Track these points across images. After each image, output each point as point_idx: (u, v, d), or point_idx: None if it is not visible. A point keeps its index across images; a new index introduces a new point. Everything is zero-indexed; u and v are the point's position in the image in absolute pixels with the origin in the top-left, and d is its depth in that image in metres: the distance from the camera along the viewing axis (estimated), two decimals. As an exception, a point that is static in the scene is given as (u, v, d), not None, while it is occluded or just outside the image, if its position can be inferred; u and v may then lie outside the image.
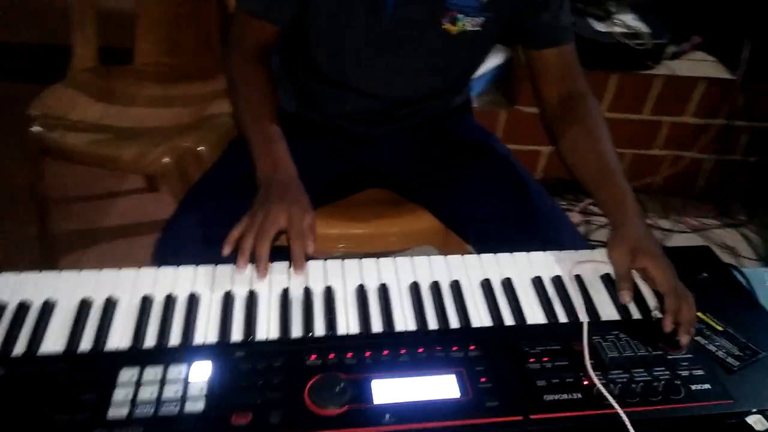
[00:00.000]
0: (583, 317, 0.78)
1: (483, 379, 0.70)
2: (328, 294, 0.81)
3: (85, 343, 0.73)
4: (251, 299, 0.80)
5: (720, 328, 0.79)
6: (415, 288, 0.83)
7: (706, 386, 0.71)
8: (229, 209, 0.99)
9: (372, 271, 0.85)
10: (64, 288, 0.79)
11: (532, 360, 0.73)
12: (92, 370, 0.68)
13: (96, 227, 1.80)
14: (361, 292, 0.81)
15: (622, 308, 0.82)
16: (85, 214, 1.85)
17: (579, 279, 0.86)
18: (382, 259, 0.88)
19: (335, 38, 1.01)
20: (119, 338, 0.74)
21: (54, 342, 0.73)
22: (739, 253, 1.89)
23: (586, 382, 0.70)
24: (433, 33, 0.98)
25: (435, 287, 0.83)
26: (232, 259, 0.85)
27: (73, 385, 0.66)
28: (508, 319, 0.79)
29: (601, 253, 0.90)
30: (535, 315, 0.80)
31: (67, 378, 0.67)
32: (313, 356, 0.71)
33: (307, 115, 1.14)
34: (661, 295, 0.79)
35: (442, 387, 0.69)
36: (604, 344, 0.75)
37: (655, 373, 0.72)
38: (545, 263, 0.88)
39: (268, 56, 1.05)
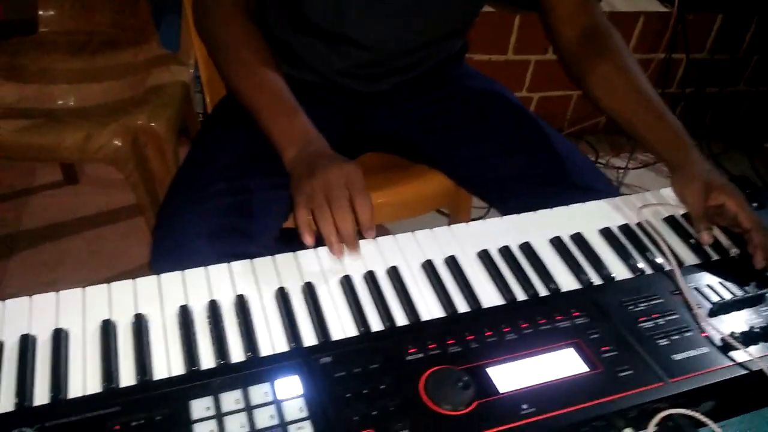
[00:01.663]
0: (672, 264, 0.73)
1: (604, 348, 0.63)
2: (395, 275, 0.70)
3: (126, 376, 0.57)
4: (311, 292, 0.67)
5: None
6: (486, 256, 0.74)
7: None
8: (236, 194, 0.84)
9: (431, 244, 0.75)
10: (70, 310, 0.62)
11: (642, 319, 0.67)
12: (151, 408, 0.53)
13: (13, 232, 1.52)
14: (431, 269, 0.71)
15: (699, 251, 0.78)
16: (-5, 218, 1.56)
17: (642, 225, 0.81)
18: (437, 229, 0.78)
19: None
20: (166, 362, 0.59)
21: (82, 380, 0.56)
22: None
23: (705, 334, 0.66)
24: None
25: (506, 252, 0.74)
26: (250, 252, 0.71)
27: (137, 431, 0.51)
28: (595, 278, 0.73)
29: (657, 196, 0.85)
30: (618, 269, 0.74)
31: (125, 425, 0.51)
32: (411, 350, 0.61)
33: (297, 76, 0.99)
34: (745, 231, 0.76)
35: (565, 363, 0.61)
36: (701, 291, 0.70)
37: (765, 313, 0.69)
38: (605, 213, 0.82)
39: (252, 10, 0.89)
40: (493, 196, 1.00)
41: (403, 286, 0.69)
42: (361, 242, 0.73)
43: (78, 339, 0.60)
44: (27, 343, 0.58)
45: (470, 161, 1.00)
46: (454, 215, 1.19)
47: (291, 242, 0.85)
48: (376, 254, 0.73)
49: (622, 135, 2.08)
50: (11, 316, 0.61)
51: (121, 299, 0.64)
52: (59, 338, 0.59)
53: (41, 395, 0.54)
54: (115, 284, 0.65)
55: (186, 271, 0.68)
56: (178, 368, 0.58)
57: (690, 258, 0.77)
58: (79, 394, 0.55)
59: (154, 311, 0.63)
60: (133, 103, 1.17)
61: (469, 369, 0.59)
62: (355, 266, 0.71)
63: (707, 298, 0.69)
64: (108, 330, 0.60)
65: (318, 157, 0.77)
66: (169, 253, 0.78)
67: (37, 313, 0.62)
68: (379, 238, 0.75)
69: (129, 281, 0.66)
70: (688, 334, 0.65)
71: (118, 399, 0.54)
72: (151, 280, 0.66)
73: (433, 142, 1.03)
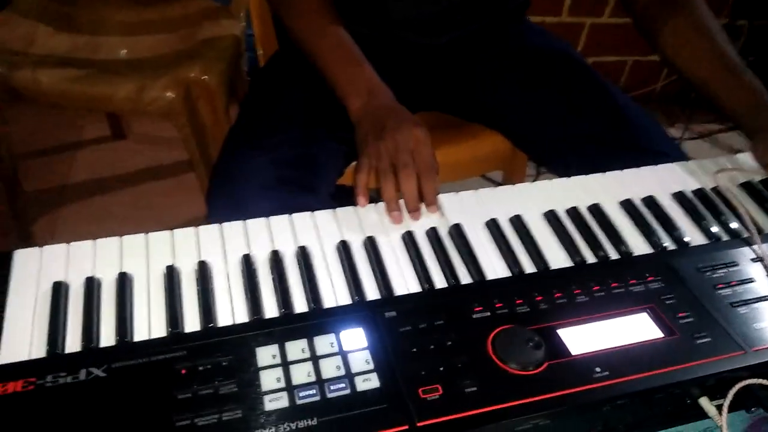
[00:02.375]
0: (752, 231, 0.69)
1: (681, 314, 0.60)
2: (458, 233, 0.68)
3: (191, 322, 0.57)
4: (373, 247, 0.65)
5: None
6: (553, 216, 0.71)
7: None
8: (298, 145, 0.82)
9: (494, 203, 0.72)
10: (133, 255, 0.62)
11: (720, 286, 0.63)
12: (218, 353, 0.52)
13: (63, 185, 1.54)
14: (496, 228, 0.69)
15: (780, 218, 0.74)
16: (46, 172, 1.58)
17: (719, 191, 0.77)
18: (501, 188, 0.75)
19: None
20: (229, 310, 0.58)
21: (147, 324, 0.56)
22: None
23: (788, 304, 0.62)
24: None
25: (575, 213, 0.71)
26: (309, 206, 0.70)
27: (203, 375, 0.51)
28: (668, 243, 0.69)
29: (732, 161, 0.81)
30: (693, 234, 0.71)
31: (191, 368, 0.51)
32: (477, 308, 0.59)
33: (353, 29, 0.96)
34: None
35: (639, 328, 0.59)
36: (784, 260, 0.67)
37: None
38: (678, 177, 0.78)
39: None
40: (553, 159, 0.96)
41: (467, 243, 0.67)
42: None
43: (142, 284, 0.59)
44: (92, 286, 0.58)
45: (530, 121, 0.96)
46: (508, 179, 1.15)
47: (344, 198, 0.84)
48: (438, 211, 0.71)
49: (678, 105, 2.01)
50: (75, 259, 0.61)
51: (184, 246, 0.63)
52: (124, 282, 0.59)
53: (107, 337, 0.54)
54: (178, 231, 0.65)
55: (248, 221, 0.67)
56: (242, 316, 0.57)
57: (768, 225, 0.73)
58: (145, 338, 0.55)
59: (217, 259, 0.62)
60: (185, 55, 1.15)
61: (538, 330, 0.57)
62: (417, 223, 0.69)
63: (791, 267, 0.66)
64: (172, 276, 0.60)
65: (386, 112, 0.75)
66: (226, 202, 0.77)
67: (101, 257, 0.61)
68: (441, 195, 0.72)
69: (192, 228, 0.65)
70: (769, 303, 0.62)
71: (184, 343, 0.53)
72: (214, 229, 0.66)
73: (491, 101, 0.99)
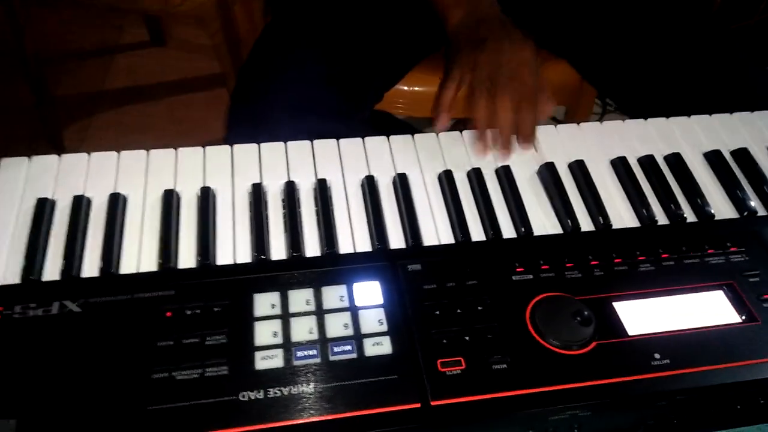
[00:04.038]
0: None
1: (765, 296, 0.49)
2: (506, 176, 0.58)
3: (186, 257, 0.50)
4: (403, 186, 0.56)
5: None
6: (621, 164, 0.59)
7: None
8: (330, 62, 0.72)
9: (552, 142, 0.61)
10: (131, 174, 0.55)
11: (819, 266, 0.52)
12: (210, 296, 0.45)
13: (97, 91, 1.49)
14: (551, 174, 0.58)
15: None
16: (81, 75, 1.53)
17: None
18: (563, 126, 0.64)
19: None
20: (230, 247, 0.51)
21: (137, 255, 0.49)
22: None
23: None
24: None
25: (649, 163, 0.60)
26: (338, 133, 0.60)
27: (190, 321, 0.44)
28: (760, 208, 0.57)
29: None
30: (790, 201, 0.59)
31: (178, 311, 0.44)
32: (519, 269, 0.50)
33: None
34: None
35: (713, 309, 0.48)
36: None
37: None
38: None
39: None
40: (629, 98, 0.83)
41: (515, 190, 0.57)
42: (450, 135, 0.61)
43: (137, 208, 0.52)
44: (80, 205, 0.51)
45: (607, 54, 0.82)
46: (571, 117, 1.03)
47: (382, 128, 0.74)
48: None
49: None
50: (66, 174, 0.54)
51: (188, 168, 0.56)
52: (116, 204, 0.52)
53: (90, 267, 0.48)
54: (183, 150, 0.57)
55: (263, 144, 0.58)
56: (244, 255, 0.50)
57: None
58: (132, 271, 0.48)
59: (224, 186, 0.55)
60: (222, -47, 1.04)
61: (589, 301, 0.48)
62: (456, 162, 0.59)
63: None
64: (170, 201, 0.52)
65: (491, 23, 0.65)
66: (246, 123, 0.68)
67: (94, 174, 0.54)
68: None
69: (198, 148, 0.57)
70: None
71: (175, 281, 0.46)
72: (223, 150, 0.58)
73: (563, 25, 0.85)
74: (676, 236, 0.54)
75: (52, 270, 0.47)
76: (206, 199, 0.53)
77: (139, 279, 0.47)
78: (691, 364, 0.45)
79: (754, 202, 0.57)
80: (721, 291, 0.50)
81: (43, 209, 0.50)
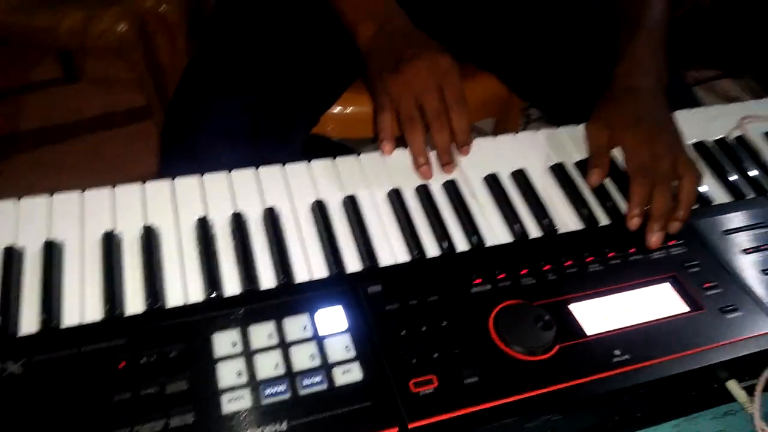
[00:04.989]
0: (782, 188, 0.62)
1: (707, 284, 0.52)
2: (453, 190, 0.58)
3: (132, 302, 0.47)
4: (354, 207, 0.55)
5: None
6: (560, 170, 0.62)
7: None
8: (267, 86, 0.71)
9: (493, 154, 0.63)
10: (66, 218, 0.52)
11: (749, 250, 0.55)
12: (165, 341, 0.43)
13: (10, 132, 1.40)
14: (495, 184, 0.59)
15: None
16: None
17: (745, 140, 0.68)
18: (503, 137, 0.65)
19: None
20: (180, 287, 0.48)
21: (80, 304, 0.46)
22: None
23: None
24: None
25: (585, 167, 0.62)
26: (278, 160, 0.59)
27: (146, 370, 0.41)
28: (689, 201, 0.61)
29: (763, 105, 0.72)
30: (716, 192, 0.62)
31: (132, 361, 0.42)
32: (477, 280, 0.50)
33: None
34: None
35: (661, 301, 0.51)
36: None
37: None
38: (697, 124, 0.68)
39: None
40: (557, 107, 0.86)
41: (463, 203, 0.57)
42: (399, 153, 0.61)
43: (75, 254, 0.49)
44: (12, 257, 0.48)
45: (532, 65, 0.86)
46: (500, 128, 1.05)
47: (320, 151, 0.73)
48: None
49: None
50: (-6, 222, 0.50)
51: (127, 207, 0.53)
52: (52, 252, 0.48)
53: (29, 322, 0.44)
54: (120, 188, 0.54)
55: (205, 176, 0.56)
56: (196, 294, 0.48)
57: (799, 181, 0.65)
58: (76, 322, 0.45)
59: (167, 223, 0.52)
60: (137, -17, 1.01)
61: (547, 305, 0.49)
62: (404, 179, 0.59)
63: (827, 230, 0.58)
64: (111, 244, 0.50)
65: (403, 39, 0.64)
66: (182, 155, 0.66)
67: (26, 220, 0.51)
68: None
69: (137, 185, 0.55)
70: (810, 268, 0.55)
71: (124, 329, 0.44)
72: (163, 185, 0.55)
73: (489, 39, 0.88)
74: (619, 235, 0.56)
75: (-15, 330, 0.44)
76: (149, 237, 0.50)
77: (85, 330, 0.44)
78: (650, 357, 0.47)
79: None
80: (668, 283, 0.52)
81: (-30, 264, 0.47)
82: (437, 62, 0.62)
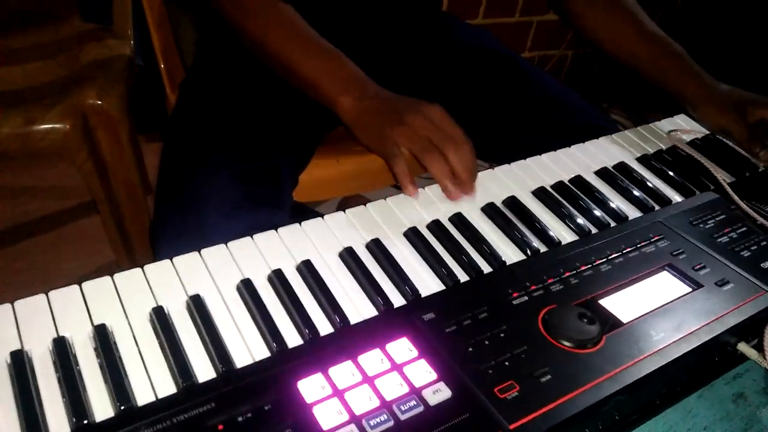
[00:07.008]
0: (722, 181, 0.72)
1: (697, 266, 0.60)
2: (461, 222, 0.63)
3: (204, 371, 0.46)
4: (381, 250, 0.58)
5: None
6: (542, 193, 0.68)
7: None
8: (256, 158, 0.73)
9: (482, 189, 0.68)
10: (99, 301, 0.50)
11: (716, 234, 0.64)
12: (253, 396, 0.43)
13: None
14: (495, 212, 0.65)
15: (734, 170, 0.77)
16: None
17: (677, 150, 0.79)
18: (484, 172, 0.71)
19: None
20: (244, 348, 0.48)
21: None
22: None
23: (780, 242, 0.65)
24: None
25: (561, 187, 0.70)
26: (274, 225, 0.61)
27: (246, 426, 0.41)
28: (653, 203, 0.70)
29: (673, 123, 0.85)
30: (670, 193, 0.72)
31: (228, 422, 0.41)
32: (514, 293, 0.54)
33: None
34: None
35: (667, 286, 0.58)
36: (754, 204, 0.70)
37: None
38: (633, 143, 0.80)
39: None
40: (489, 153, 0.94)
41: (473, 231, 0.62)
42: (403, 196, 0.66)
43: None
44: (64, 347, 0.45)
45: (465, 118, 0.94)
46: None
47: (301, 214, 0.76)
48: (430, 203, 0.66)
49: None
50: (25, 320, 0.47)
51: (164, 284, 0.52)
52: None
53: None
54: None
55: (203, 251, 0.55)
56: (260, 352, 0.48)
57: (726, 177, 0.77)
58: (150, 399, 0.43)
59: (211, 292, 0.52)
60: (74, 80, 0.99)
61: (582, 304, 0.54)
62: (415, 218, 0.63)
63: (763, 209, 0.69)
64: (163, 318, 0.48)
65: (387, 101, 0.69)
66: (184, 231, 0.65)
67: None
68: (428, 187, 0.67)
69: (166, 262, 0.53)
70: (765, 243, 0.64)
71: (202, 396, 0.43)
72: (193, 258, 0.54)
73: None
74: (611, 239, 0.63)
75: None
76: (199, 305, 0.50)
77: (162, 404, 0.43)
78: (679, 331, 0.53)
79: (647, 201, 0.70)
80: (665, 271, 0.59)
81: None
82: (433, 110, 0.67)
